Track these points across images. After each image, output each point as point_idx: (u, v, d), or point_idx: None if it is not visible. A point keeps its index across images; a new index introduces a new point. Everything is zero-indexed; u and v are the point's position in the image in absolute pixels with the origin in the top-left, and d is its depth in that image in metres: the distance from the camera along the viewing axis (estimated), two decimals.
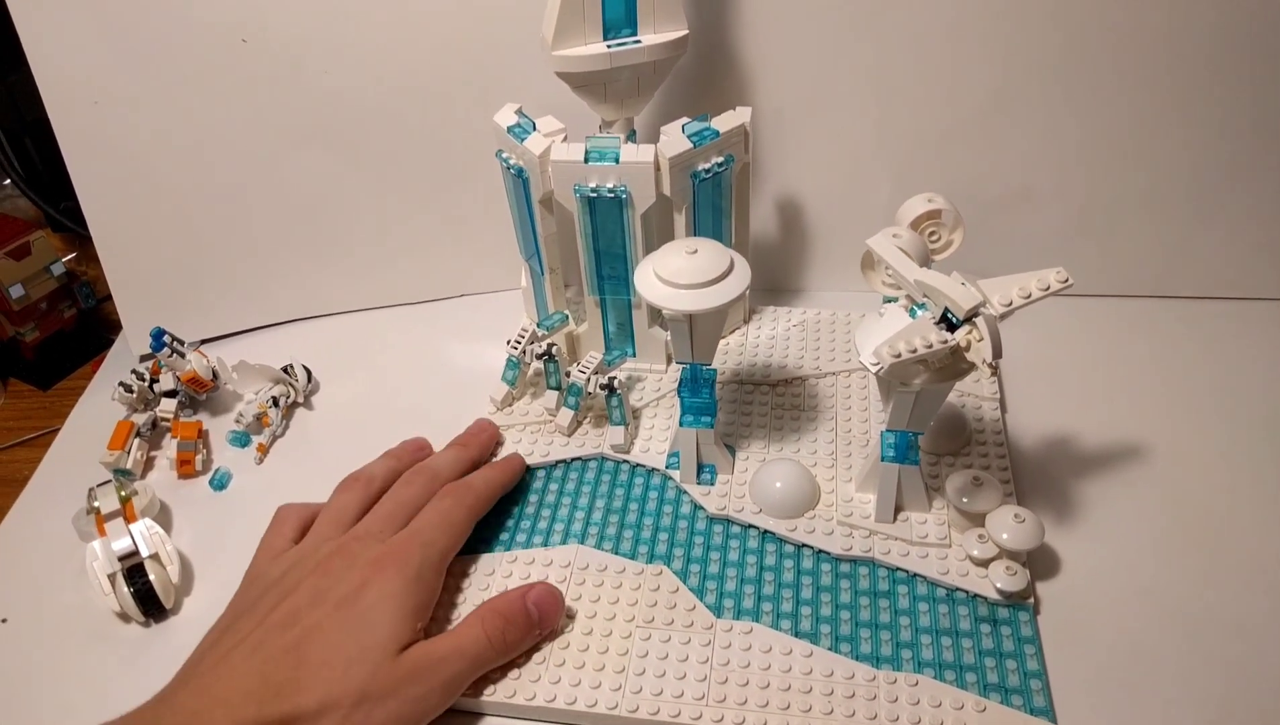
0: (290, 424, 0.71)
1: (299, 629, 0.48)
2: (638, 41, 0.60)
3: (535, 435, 0.66)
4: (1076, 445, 0.64)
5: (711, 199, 0.64)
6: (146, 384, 0.69)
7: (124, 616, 0.57)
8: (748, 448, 0.64)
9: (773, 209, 0.77)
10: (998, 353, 0.46)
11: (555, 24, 0.58)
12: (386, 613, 0.49)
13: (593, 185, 0.61)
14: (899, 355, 0.45)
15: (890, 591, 0.55)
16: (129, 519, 0.59)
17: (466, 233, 0.77)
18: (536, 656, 0.53)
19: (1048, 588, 0.56)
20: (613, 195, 0.61)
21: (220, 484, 0.66)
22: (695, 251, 0.53)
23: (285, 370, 0.71)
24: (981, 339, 0.46)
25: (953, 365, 0.50)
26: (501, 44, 0.68)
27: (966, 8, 0.68)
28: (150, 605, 0.57)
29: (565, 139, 0.62)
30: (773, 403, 0.67)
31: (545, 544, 0.60)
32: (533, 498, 0.63)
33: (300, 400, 0.72)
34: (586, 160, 0.60)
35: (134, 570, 0.57)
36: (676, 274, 0.53)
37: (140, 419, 0.68)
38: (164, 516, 0.64)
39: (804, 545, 0.58)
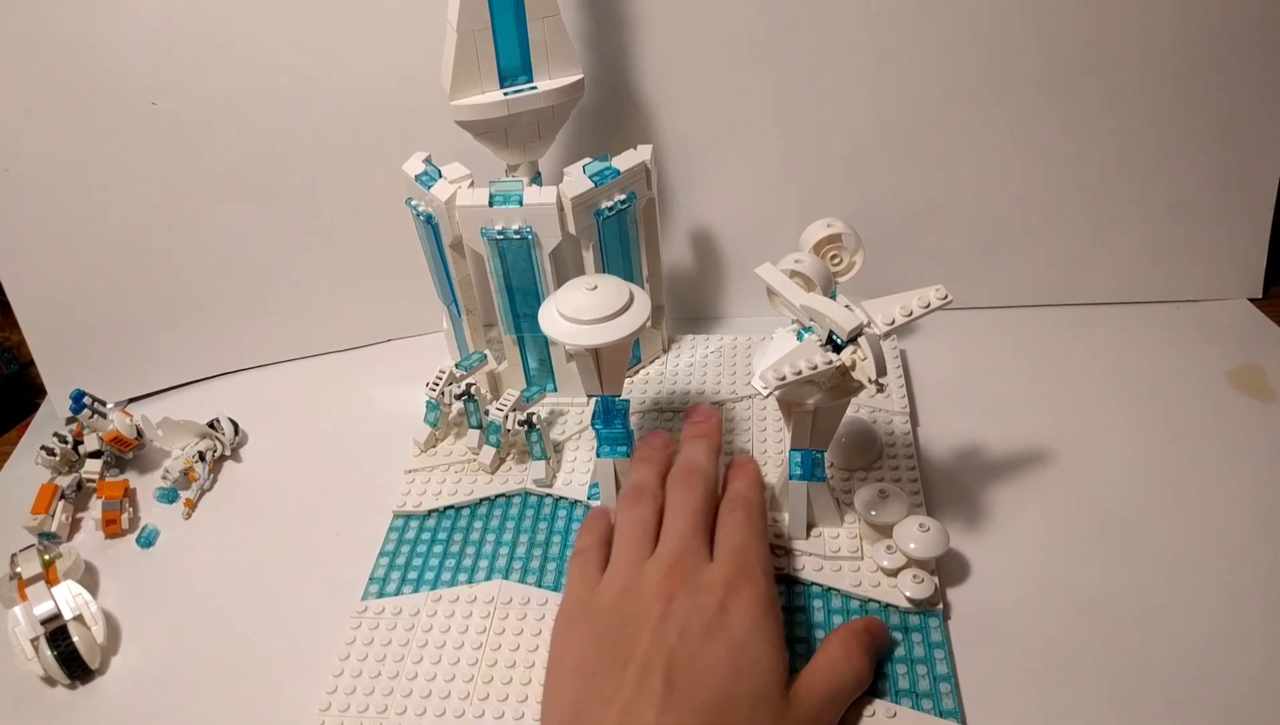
0: (218, 478, 0.71)
1: (674, 670, 0.43)
2: (534, 88, 0.61)
3: (459, 474, 0.67)
4: (984, 453, 0.66)
5: (618, 235, 0.66)
6: (70, 446, 0.69)
7: (49, 680, 0.57)
8: None
9: (686, 240, 0.79)
10: (882, 371, 0.48)
11: (451, 74, 0.60)
12: (761, 643, 0.45)
13: (499, 228, 0.62)
14: (784, 378, 0.47)
15: (807, 606, 0.57)
16: (51, 582, 0.59)
17: (389, 278, 0.78)
18: (460, 690, 0.54)
19: (959, 592, 0.58)
20: (519, 237, 0.62)
21: (148, 541, 0.66)
22: (595, 287, 0.55)
23: (211, 425, 0.72)
24: (865, 358, 0.48)
25: (843, 384, 0.52)
26: (410, 92, 0.70)
27: (860, 37, 0.71)
28: (75, 667, 0.57)
29: (471, 184, 0.64)
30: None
31: (470, 581, 0.61)
32: (457, 536, 0.64)
33: (227, 454, 0.72)
34: (491, 204, 0.62)
35: (57, 633, 0.57)
36: (578, 310, 0.55)
37: (65, 481, 0.68)
38: (90, 577, 0.64)
39: None
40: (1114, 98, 0.73)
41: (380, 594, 0.60)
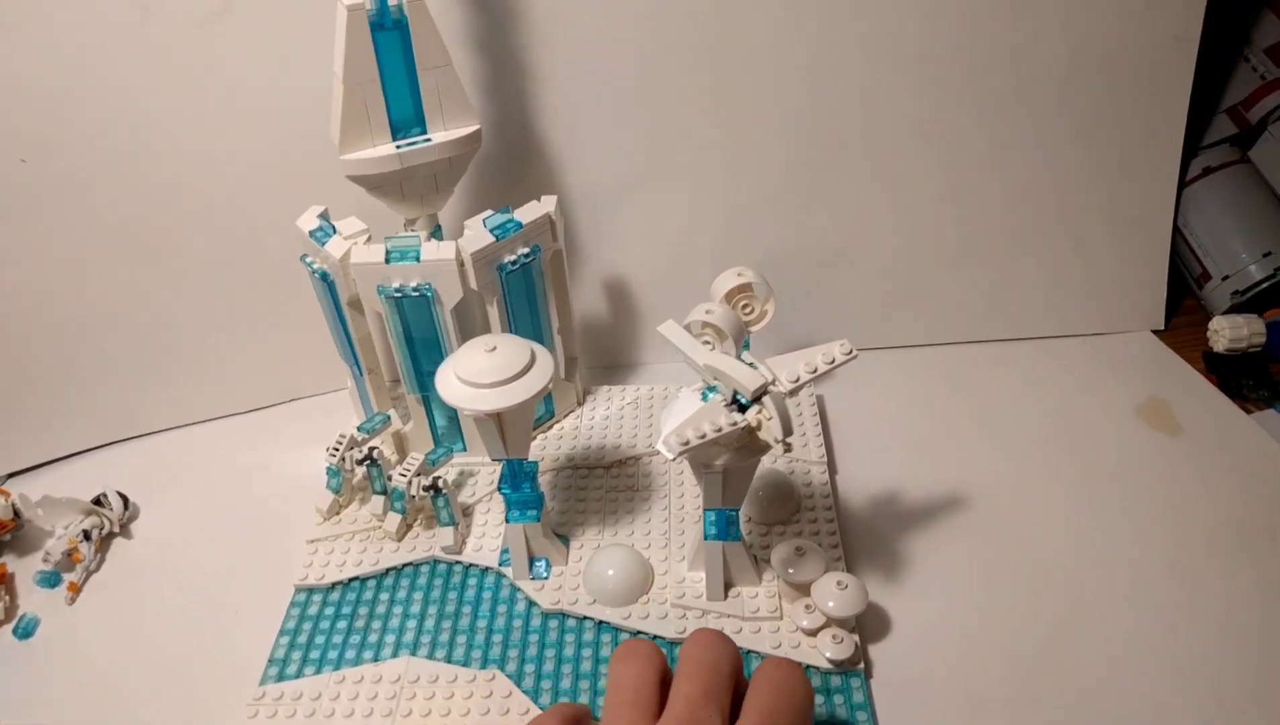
0: (106, 557, 0.67)
1: None
2: (428, 140, 0.59)
3: (364, 543, 0.64)
4: (903, 500, 0.65)
5: (524, 288, 0.64)
6: None
7: None
8: (582, 535, 0.63)
9: (599, 289, 0.78)
10: (788, 430, 0.47)
11: (340, 127, 0.57)
12: None
13: (396, 285, 0.60)
14: (687, 443, 0.45)
15: None
16: None
17: (288, 336, 0.75)
18: None
19: (881, 648, 0.56)
20: (418, 294, 0.60)
21: (26, 632, 0.61)
22: (494, 349, 0.53)
23: (97, 500, 0.67)
24: (771, 418, 0.47)
25: (751, 443, 0.50)
26: (305, 145, 0.67)
27: (765, 85, 0.71)
28: None
29: (369, 240, 0.61)
30: (607, 485, 0.67)
31: (375, 659, 0.57)
32: (362, 610, 0.60)
33: (116, 530, 0.67)
34: (388, 261, 0.59)
35: None
36: (477, 374, 0.52)
37: None
38: None
39: (639, 632, 0.57)
40: (1013, 140, 0.74)
41: (280, 677, 0.57)
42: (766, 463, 0.66)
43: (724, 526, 0.56)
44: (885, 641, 0.57)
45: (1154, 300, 0.80)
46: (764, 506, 0.63)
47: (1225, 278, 0.79)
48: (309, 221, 0.63)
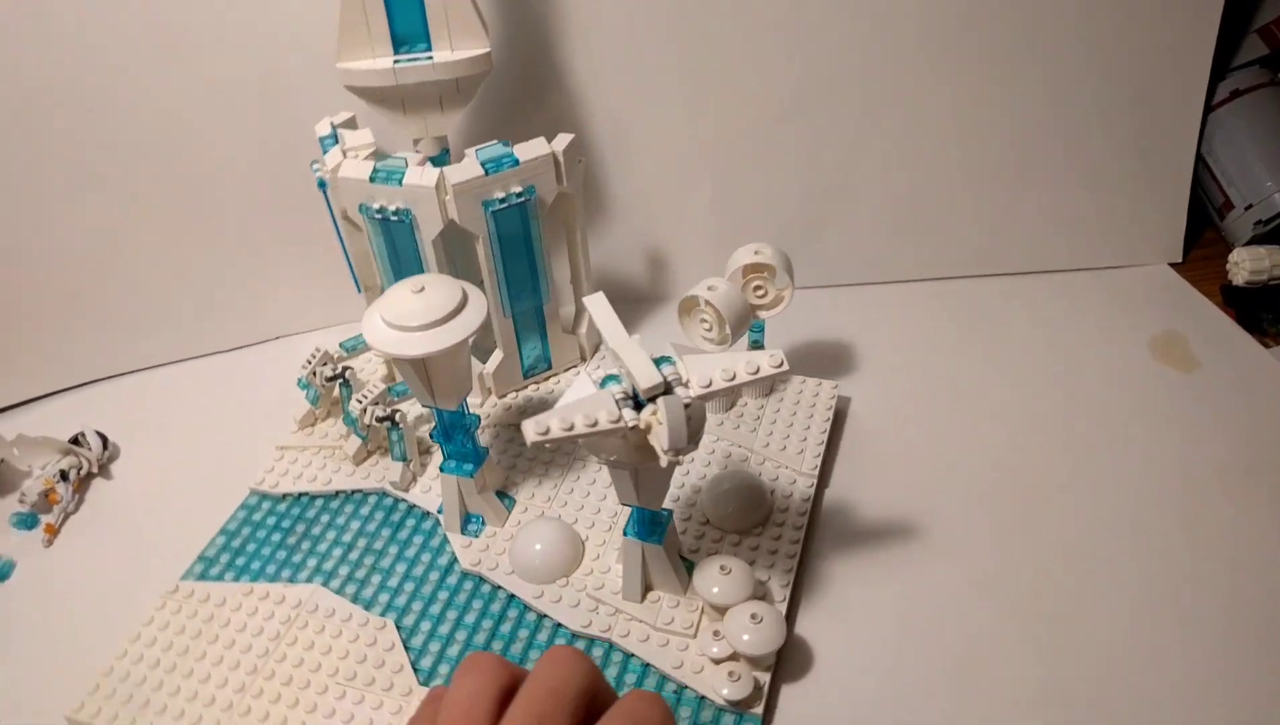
0: (85, 498, 0.63)
1: None
2: (430, 58, 0.56)
3: (326, 460, 0.63)
4: (892, 524, 0.58)
5: (519, 231, 0.60)
6: None
7: None
8: (529, 501, 0.59)
9: (613, 222, 0.74)
10: (675, 443, 0.41)
11: (339, 35, 0.55)
12: None
13: (378, 206, 0.57)
14: (547, 432, 0.40)
15: (619, 679, 0.50)
16: None
17: (277, 272, 0.71)
18: (224, 699, 0.50)
19: (795, 690, 0.50)
20: (398, 218, 0.57)
21: (1, 575, 0.59)
22: (422, 290, 0.50)
23: (75, 440, 0.64)
24: (662, 424, 0.41)
25: (647, 445, 0.44)
26: (309, 54, 0.62)
27: (776, 8, 0.66)
28: None
29: (372, 154, 0.59)
30: (577, 454, 0.63)
31: (291, 579, 0.57)
32: (300, 527, 0.60)
33: (94, 471, 0.64)
34: (372, 179, 0.57)
35: None
36: (403, 317, 0.49)
37: None
38: None
39: (544, 616, 0.53)
40: (1028, 64, 0.70)
41: (201, 576, 0.57)
42: (752, 465, 0.60)
43: (644, 526, 0.50)
44: (802, 683, 0.50)
45: (1172, 232, 0.77)
46: (725, 511, 0.57)
47: (1249, 207, 0.76)
48: (324, 128, 0.61)
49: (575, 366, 0.69)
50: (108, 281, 0.70)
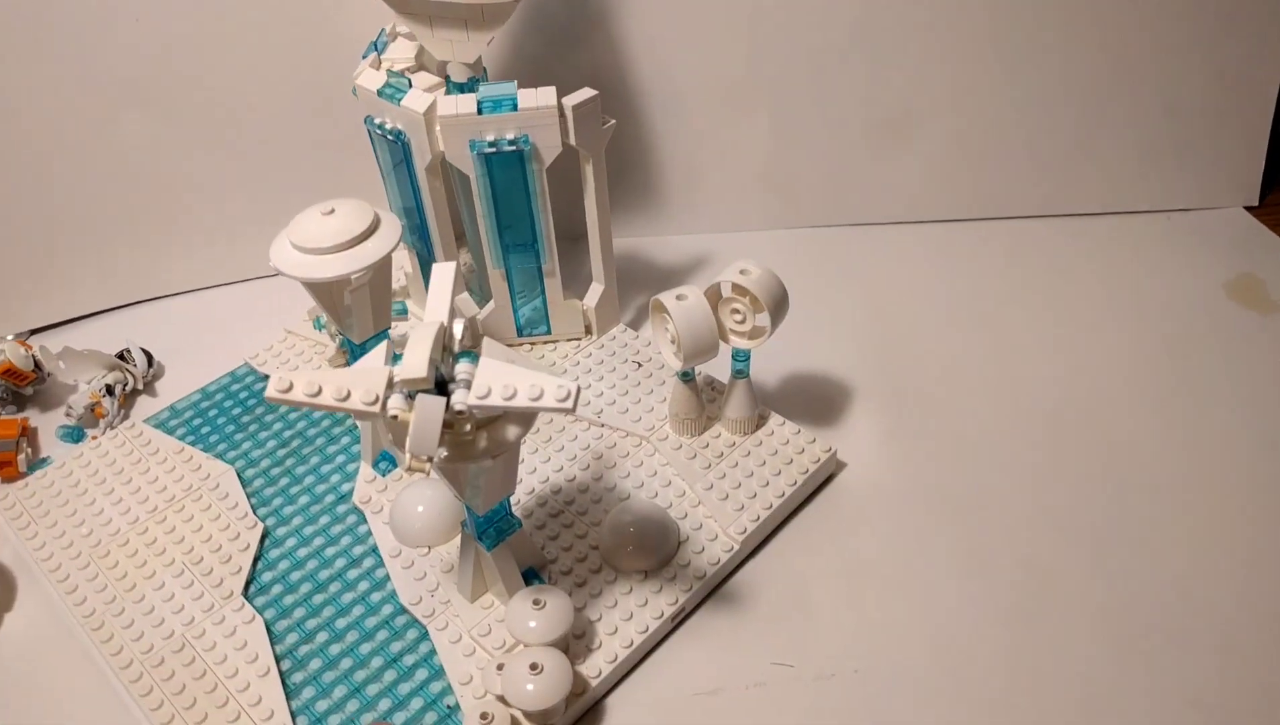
0: (130, 414, 0.63)
1: None
2: None
3: (315, 356, 0.64)
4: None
5: (518, 182, 0.56)
6: None
7: None
8: None
9: (645, 150, 0.71)
10: (414, 446, 0.37)
11: None
12: None
13: (379, 122, 0.55)
14: (288, 389, 0.37)
15: (414, 674, 0.47)
16: None
17: (322, 187, 0.61)
18: (97, 534, 0.53)
19: None
20: (393, 139, 0.56)
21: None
22: (332, 212, 0.48)
23: (121, 356, 0.64)
24: (409, 423, 0.37)
25: (467, 444, 0.40)
26: None
27: None
28: None
29: (408, 69, 0.57)
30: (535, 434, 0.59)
31: (222, 455, 0.59)
32: (259, 409, 0.61)
33: (140, 387, 0.64)
34: (379, 93, 0.55)
35: None
36: (311, 239, 0.48)
37: None
38: None
39: (386, 579, 0.51)
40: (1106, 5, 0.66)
41: (160, 424, 0.61)
42: (682, 506, 0.53)
43: (481, 525, 0.46)
44: None
45: (1250, 172, 0.74)
46: (614, 544, 0.51)
47: None
48: (373, 79, 0.56)
49: (578, 338, 0.64)
50: (156, 204, 0.69)
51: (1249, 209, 0.74)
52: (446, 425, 0.38)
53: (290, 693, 0.47)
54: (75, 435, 0.61)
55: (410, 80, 0.54)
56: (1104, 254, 0.71)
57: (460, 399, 0.38)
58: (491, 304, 0.62)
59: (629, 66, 0.68)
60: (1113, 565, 0.51)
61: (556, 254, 0.60)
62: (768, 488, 0.54)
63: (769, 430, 0.57)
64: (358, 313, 0.51)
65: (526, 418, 0.41)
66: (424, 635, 0.49)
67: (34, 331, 0.70)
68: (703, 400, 0.57)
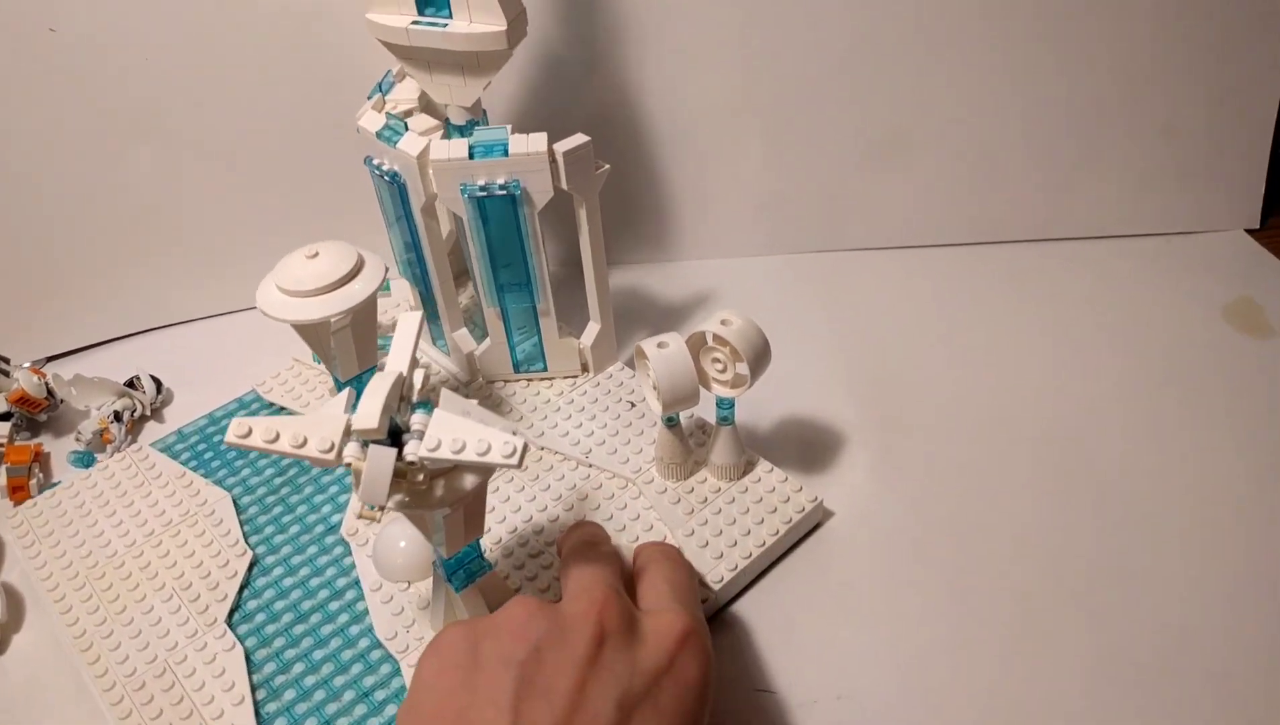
0: (139, 438, 0.65)
1: None
2: (444, 26, 0.54)
3: (319, 385, 0.66)
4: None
5: (511, 224, 0.57)
6: None
7: None
8: None
9: (640, 170, 0.73)
10: (364, 495, 0.37)
11: None
12: None
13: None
14: (246, 434, 0.38)
15: (375, 699, 0.48)
16: None
17: (328, 223, 0.65)
18: (97, 554, 0.55)
19: None
20: (390, 180, 0.57)
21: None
22: (316, 255, 0.49)
23: (130, 383, 0.66)
24: (361, 473, 0.37)
25: (424, 492, 0.41)
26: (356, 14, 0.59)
27: None
28: None
29: (410, 111, 0.59)
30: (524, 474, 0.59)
31: (221, 481, 0.60)
32: None
33: (148, 413, 0.66)
34: (378, 135, 0.56)
35: None
36: (295, 282, 0.49)
37: None
38: None
39: (365, 613, 0.52)
40: (1101, 8, 0.66)
41: (166, 448, 0.63)
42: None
43: (451, 567, 0.47)
44: None
45: (1250, 195, 0.73)
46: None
47: None
48: (374, 121, 0.57)
49: (574, 376, 0.65)
50: (166, 234, 0.72)
51: (1250, 232, 0.74)
52: (399, 474, 0.39)
53: (263, 722, 0.48)
54: (86, 460, 0.63)
55: (406, 124, 0.56)
56: (1104, 278, 0.71)
57: (412, 450, 0.38)
58: (488, 341, 0.63)
59: (629, 101, 0.69)
60: (1106, 599, 0.51)
61: (551, 294, 0.60)
62: (749, 536, 0.54)
63: (755, 477, 0.57)
64: (341, 353, 0.52)
65: (484, 468, 0.41)
66: (396, 670, 0.50)
67: (48, 359, 0.72)
68: (689, 445, 0.57)
